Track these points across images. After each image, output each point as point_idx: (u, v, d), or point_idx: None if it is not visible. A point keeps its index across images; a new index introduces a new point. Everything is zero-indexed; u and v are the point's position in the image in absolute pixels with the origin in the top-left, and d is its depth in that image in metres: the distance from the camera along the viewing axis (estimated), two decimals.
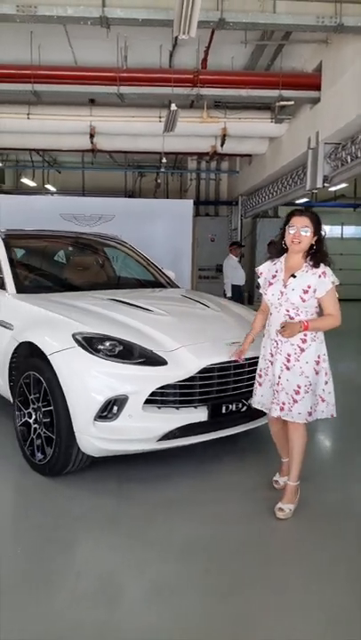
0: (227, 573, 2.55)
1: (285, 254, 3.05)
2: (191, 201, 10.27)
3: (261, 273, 3.13)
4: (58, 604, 2.31)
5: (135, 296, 4.25)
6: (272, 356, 3.03)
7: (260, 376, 3.15)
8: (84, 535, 2.91)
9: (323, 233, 3.01)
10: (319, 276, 2.93)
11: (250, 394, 3.56)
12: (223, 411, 3.45)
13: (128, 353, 3.29)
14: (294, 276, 2.95)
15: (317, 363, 2.98)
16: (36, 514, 3.07)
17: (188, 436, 3.36)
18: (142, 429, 3.22)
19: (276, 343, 2.99)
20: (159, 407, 3.26)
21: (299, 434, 3.04)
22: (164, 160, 10.00)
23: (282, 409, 2.98)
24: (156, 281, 5.26)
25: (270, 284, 3.04)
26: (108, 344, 3.29)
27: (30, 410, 3.54)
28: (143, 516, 3.04)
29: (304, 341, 2.94)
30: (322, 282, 2.93)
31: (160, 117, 8.19)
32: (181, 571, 2.57)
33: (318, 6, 5.13)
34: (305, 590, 2.45)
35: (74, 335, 3.32)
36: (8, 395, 3.93)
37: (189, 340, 3.47)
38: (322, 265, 2.97)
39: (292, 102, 7.14)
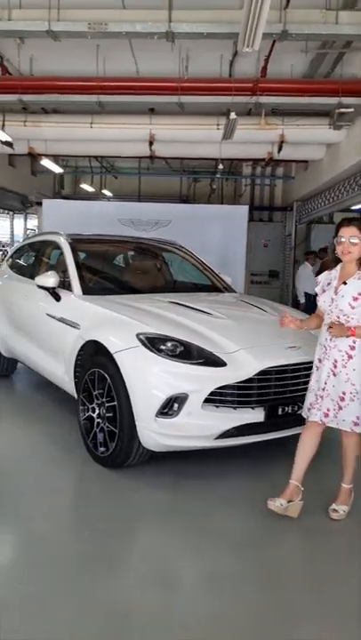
0: (282, 567, 2.66)
1: (341, 263, 3.12)
2: (247, 207, 10.35)
3: (319, 281, 3.22)
4: (121, 584, 2.48)
5: (194, 299, 4.40)
6: (320, 361, 3.08)
7: (309, 382, 3.21)
8: (143, 524, 3.08)
9: None
10: None
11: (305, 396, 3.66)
12: (279, 412, 3.54)
13: (189, 353, 3.44)
14: (345, 284, 3.02)
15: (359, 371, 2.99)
16: (100, 502, 3.26)
17: (244, 436, 3.47)
18: (201, 427, 3.36)
19: (325, 349, 3.05)
20: (217, 406, 3.39)
21: (353, 440, 3.08)
22: (220, 166, 10.12)
23: (326, 415, 3.03)
24: (213, 285, 5.40)
25: (324, 291, 3.13)
26: (169, 344, 3.45)
27: (94, 405, 3.74)
28: (199, 510, 3.17)
29: (353, 348, 2.97)
30: None
31: (218, 125, 8.33)
32: (237, 561, 2.69)
33: None
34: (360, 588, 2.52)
35: (137, 335, 3.51)
36: (72, 390, 4.17)
37: (248, 343, 3.59)
38: None
39: (351, 109, 7.13)
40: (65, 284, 4.54)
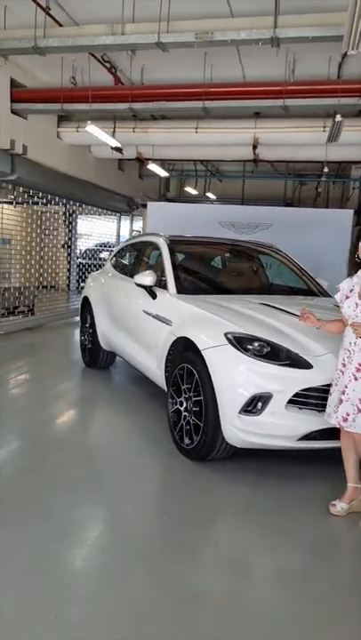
0: (356, 569, 2.64)
1: None
2: (351, 211, 10.03)
3: (339, 288, 3.24)
4: (195, 566, 2.61)
5: (286, 302, 4.42)
6: (344, 366, 3.09)
7: (332, 386, 3.19)
8: (222, 514, 3.19)
9: None
10: None
11: None
12: None
13: (275, 354, 3.49)
14: None
15: None
16: (182, 491, 3.42)
17: (326, 440, 3.45)
18: (284, 427, 3.40)
19: (349, 353, 3.06)
20: (301, 408, 3.41)
21: None
22: (325, 169, 9.94)
23: (345, 419, 3.02)
24: (308, 289, 5.37)
25: (347, 297, 3.14)
26: (256, 344, 3.53)
27: (182, 399, 3.91)
28: (277, 508, 3.22)
29: None
30: None
31: (324, 127, 8.21)
32: (310, 560, 2.71)
33: None
34: None
35: (226, 334, 3.62)
36: (163, 384, 4.37)
37: (336, 347, 3.56)
38: None
39: None
40: (161, 283, 4.76)
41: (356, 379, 3.02)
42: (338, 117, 6.57)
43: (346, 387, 3.04)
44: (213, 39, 5.41)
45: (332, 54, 6.84)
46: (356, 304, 3.08)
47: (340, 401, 3.05)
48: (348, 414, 3.02)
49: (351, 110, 7.62)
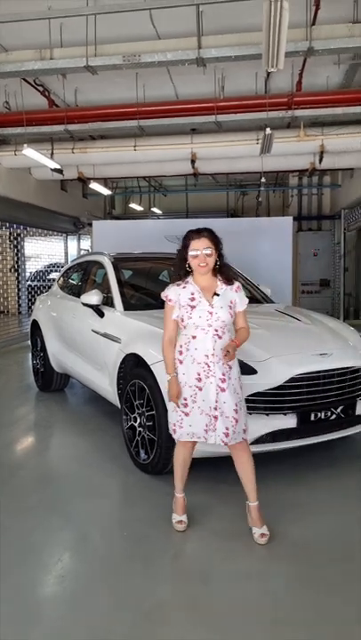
0: (313, 566, 2.75)
1: (191, 276, 3.02)
2: (291, 218, 10.40)
3: (171, 300, 3.00)
4: (156, 578, 2.65)
5: None
6: (200, 381, 2.91)
7: (187, 405, 2.94)
8: None
9: (222, 247, 3.02)
10: (236, 291, 3.01)
11: (339, 402, 3.73)
12: (312, 418, 3.62)
13: None
14: (218, 295, 2.95)
15: (238, 379, 3.02)
16: (140, 506, 3.46)
17: (278, 442, 3.58)
18: None
19: (207, 366, 2.90)
20: (250, 413, 3.50)
21: (249, 452, 3.04)
22: (263, 180, 10.26)
23: (227, 435, 2.90)
24: (252, 297, 5.52)
25: (193, 307, 2.94)
26: None
27: (136, 414, 3.95)
28: (234, 515, 3.28)
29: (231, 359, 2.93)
30: (240, 296, 3.02)
31: (257, 139, 8.50)
32: (265, 561, 2.80)
33: None
34: None
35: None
36: (116, 401, 4.41)
37: (279, 351, 3.71)
38: (234, 280, 3.04)
39: None
40: (108, 302, 4.81)
41: (223, 390, 2.91)
42: (268, 130, 6.83)
43: (216, 401, 2.90)
44: (141, 61, 5.56)
45: (258, 71, 7.13)
46: (210, 312, 2.92)
47: (213, 417, 2.91)
48: (227, 429, 2.90)
49: (281, 123, 7.93)
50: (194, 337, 2.93)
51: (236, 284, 3.07)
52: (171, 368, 3.01)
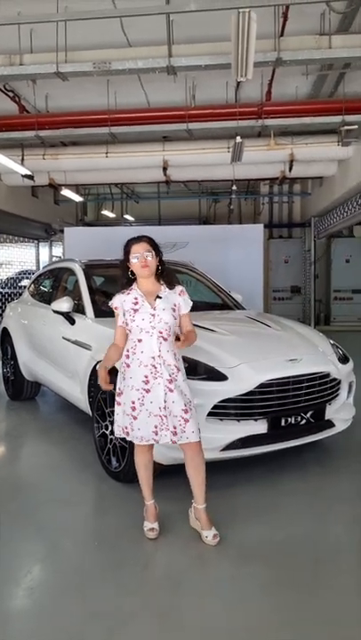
0: (283, 569, 2.76)
1: (135, 283, 3.10)
2: (262, 225, 10.50)
3: (117, 307, 3.07)
4: (128, 587, 2.63)
5: (201, 318, 4.55)
6: (147, 383, 2.96)
7: (134, 409, 2.98)
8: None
9: (162, 254, 3.13)
10: (179, 294, 3.10)
11: (309, 407, 3.78)
12: (283, 424, 3.66)
13: (193, 370, 3.58)
14: (160, 297, 3.03)
15: (185, 382, 3.05)
16: (112, 514, 3.44)
17: (249, 447, 3.60)
18: (206, 440, 3.44)
19: (154, 368, 2.96)
20: (221, 419, 3.54)
21: (202, 455, 3.08)
22: (234, 187, 10.38)
23: (175, 433, 2.95)
24: (223, 303, 5.57)
25: (135, 310, 3.01)
26: None
27: (107, 422, 3.92)
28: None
29: (178, 360, 3.03)
30: (184, 299, 3.10)
31: (228, 148, 8.57)
32: (237, 566, 2.81)
33: None
34: (358, 588, 2.60)
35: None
36: (88, 409, 4.37)
37: (249, 357, 3.74)
38: (176, 284, 3.15)
39: (355, 126, 7.28)
40: (79, 309, 4.78)
41: (171, 390, 2.96)
42: (238, 139, 6.90)
43: (165, 401, 2.96)
44: (111, 68, 5.56)
45: (228, 80, 7.21)
46: (153, 315, 2.99)
47: (162, 417, 2.97)
48: (175, 427, 2.96)
49: (251, 132, 8.02)
50: (140, 340, 3.00)
51: (180, 287, 3.14)
52: (108, 362, 3.13)
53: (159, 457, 3.54)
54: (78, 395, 4.53)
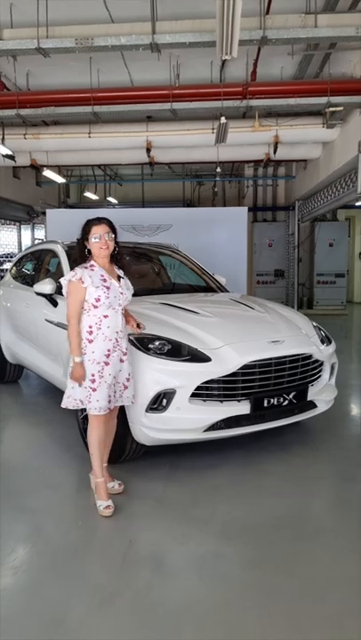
0: (262, 548, 2.80)
1: (92, 261, 3.21)
2: (246, 208, 10.47)
3: (84, 281, 3.10)
4: (111, 568, 2.65)
5: (185, 300, 4.56)
6: (108, 356, 3.12)
7: (94, 381, 3.10)
8: (136, 512, 3.23)
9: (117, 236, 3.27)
10: (125, 277, 3.33)
11: (292, 389, 3.81)
12: (265, 404, 3.68)
13: (176, 351, 3.60)
14: (122, 278, 3.28)
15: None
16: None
17: (231, 428, 3.62)
18: (189, 421, 3.52)
19: (117, 341, 3.16)
20: (204, 400, 3.55)
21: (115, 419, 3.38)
22: (218, 169, 10.30)
23: (109, 401, 3.17)
24: (207, 286, 5.56)
25: (107, 287, 3.13)
26: (157, 343, 3.62)
27: None
28: (189, 500, 3.33)
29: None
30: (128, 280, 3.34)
31: (213, 129, 8.50)
32: (220, 545, 2.84)
33: (358, 17, 5.28)
34: (335, 565, 2.65)
35: (127, 335, 3.67)
36: None
37: (232, 339, 3.74)
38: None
39: (341, 108, 7.25)
40: (62, 291, 4.71)
41: (122, 361, 3.21)
42: (222, 119, 6.84)
43: (123, 370, 3.24)
44: (94, 44, 5.45)
45: (213, 59, 7.11)
46: (121, 292, 3.20)
47: (124, 386, 3.25)
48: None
49: (236, 112, 7.96)
50: (105, 316, 3.13)
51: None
52: (78, 350, 3.12)
53: (142, 438, 3.57)
54: (61, 377, 4.49)
